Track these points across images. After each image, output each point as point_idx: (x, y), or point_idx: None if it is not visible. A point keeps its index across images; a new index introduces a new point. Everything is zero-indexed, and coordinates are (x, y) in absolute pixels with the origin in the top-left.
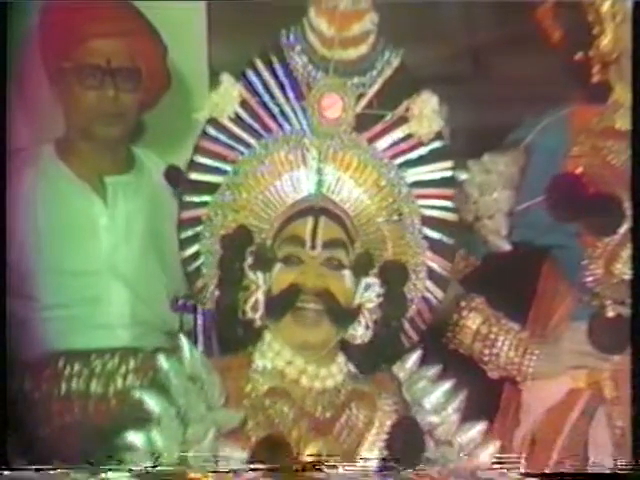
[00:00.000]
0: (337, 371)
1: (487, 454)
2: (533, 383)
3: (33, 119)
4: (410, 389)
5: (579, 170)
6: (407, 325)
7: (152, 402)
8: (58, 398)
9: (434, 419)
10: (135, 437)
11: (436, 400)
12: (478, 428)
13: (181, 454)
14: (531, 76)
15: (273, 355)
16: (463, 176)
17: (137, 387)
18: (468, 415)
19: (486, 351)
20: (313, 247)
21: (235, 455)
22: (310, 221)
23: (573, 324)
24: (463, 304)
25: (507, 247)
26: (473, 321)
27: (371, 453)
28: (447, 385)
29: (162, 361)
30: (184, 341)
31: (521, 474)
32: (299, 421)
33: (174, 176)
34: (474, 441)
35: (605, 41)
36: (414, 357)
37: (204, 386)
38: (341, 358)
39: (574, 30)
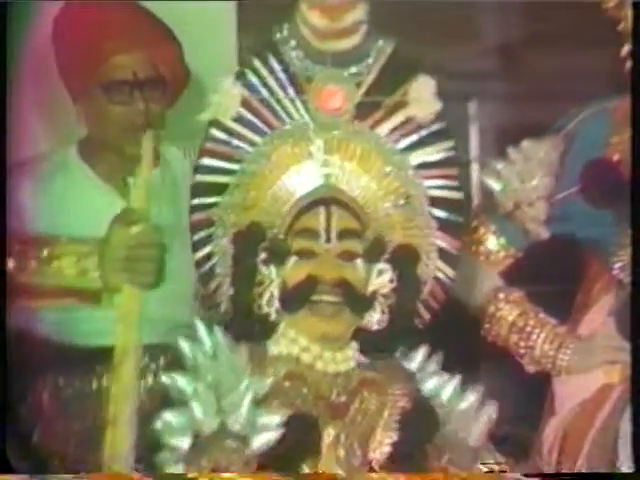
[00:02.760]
0: (350, 356)
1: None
2: (567, 377)
3: (53, 124)
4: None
5: (616, 157)
6: (421, 307)
7: (182, 382)
8: (91, 395)
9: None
10: (172, 416)
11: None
12: (474, 394)
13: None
14: (574, 71)
15: (287, 342)
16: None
17: (165, 371)
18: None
19: (522, 344)
20: (328, 239)
21: (272, 421)
22: (322, 212)
23: (608, 319)
24: (501, 296)
25: (546, 234)
26: (510, 312)
27: (386, 435)
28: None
29: (184, 345)
30: (200, 325)
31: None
32: (317, 403)
33: None
34: (472, 407)
35: None
36: (423, 350)
37: (229, 358)
38: (354, 344)
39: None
